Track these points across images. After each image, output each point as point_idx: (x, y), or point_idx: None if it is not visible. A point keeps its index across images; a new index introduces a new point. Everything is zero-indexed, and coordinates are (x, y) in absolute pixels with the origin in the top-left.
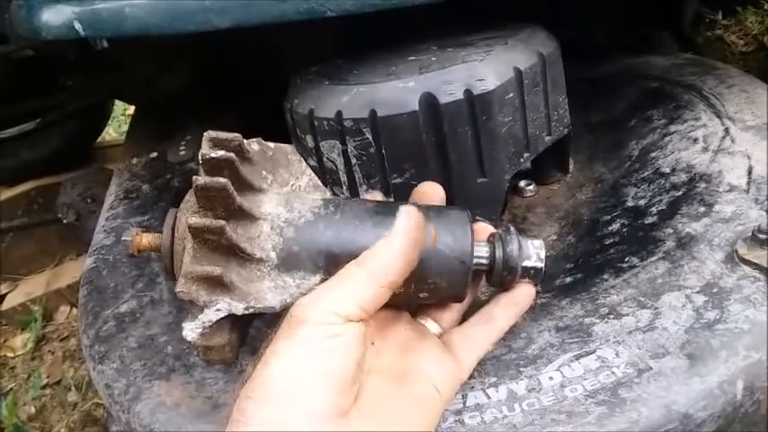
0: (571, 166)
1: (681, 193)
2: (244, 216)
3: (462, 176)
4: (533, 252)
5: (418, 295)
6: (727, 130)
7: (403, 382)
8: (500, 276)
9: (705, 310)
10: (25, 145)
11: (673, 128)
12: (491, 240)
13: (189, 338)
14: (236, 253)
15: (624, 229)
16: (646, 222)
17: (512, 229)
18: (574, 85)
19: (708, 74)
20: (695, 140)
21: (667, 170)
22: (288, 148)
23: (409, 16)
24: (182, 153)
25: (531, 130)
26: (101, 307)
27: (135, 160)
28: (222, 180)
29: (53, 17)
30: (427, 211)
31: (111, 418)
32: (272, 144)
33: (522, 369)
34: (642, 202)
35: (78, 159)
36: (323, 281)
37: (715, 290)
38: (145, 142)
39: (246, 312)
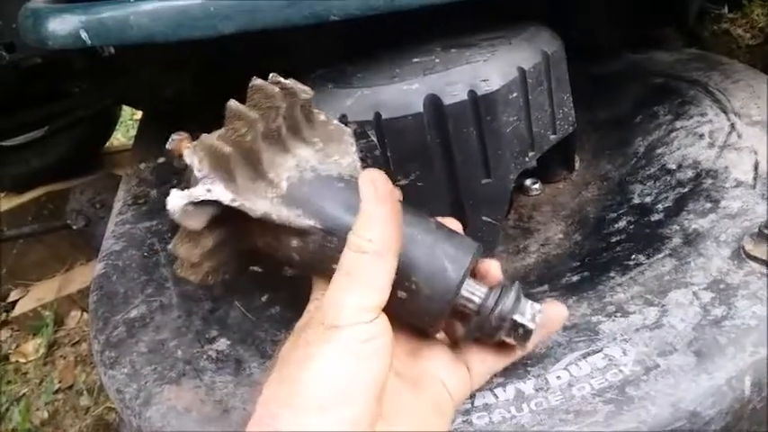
0: (577, 164)
1: (687, 189)
2: (277, 141)
3: (468, 177)
4: (529, 311)
5: (397, 292)
6: (733, 126)
7: (418, 387)
8: (486, 321)
9: (712, 307)
10: (34, 152)
11: (678, 124)
12: (492, 287)
13: (170, 206)
14: (252, 161)
15: (630, 227)
16: (652, 219)
17: (517, 284)
18: (579, 82)
19: (713, 69)
20: (701, 136)
21: (673, 166)
22: (347, 129)
23: (412, 18)
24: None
25: (535, 130)
26: (111, 312)
27: (143, 166)
28: (276, 89)
29: (60, 27)
30: (441, 225)
31: (122, 422)
32: (335, 121)
33: (529, 368)
34: (648, 199)
35: (87, 165)
36: (311, 229)
37: (722, 286)
38: (152, 147)
39: (232, 204)
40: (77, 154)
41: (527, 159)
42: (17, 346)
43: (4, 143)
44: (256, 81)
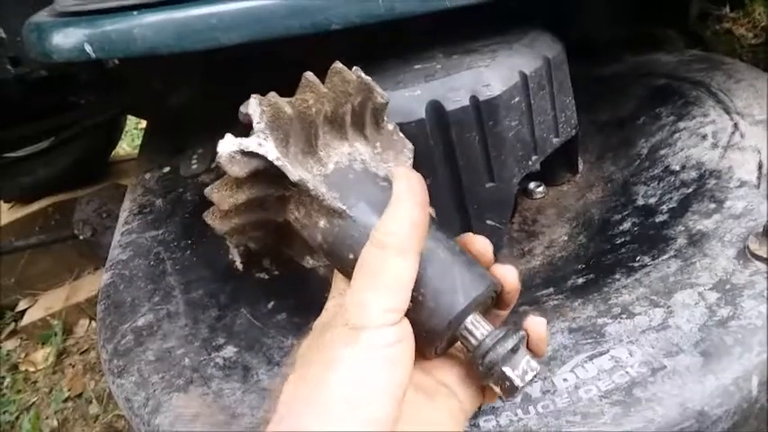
0: (580, 166)
1: (691, 190)
2: (340, 127)
3: (471, 182)
4: (522, 366)
5: None
6: (736, 126)
7: (434, 397)
8: (478, 361)
9: (718, 307)
10: (41, 162)
11: (681, 125)
12: (497, 328)
13: (219, 149)
14: (308, 135)
15: (635, 228)
16: (656, 221)
17: (521, 333)
18: (581, 84)
19: (715, 70)
20: (704, 137)
21: (677, 167)
22: (409, 145)
23: (413, 25)
24: (194, 167)
25: (538, 133)
26: (118, 321)
27: (148, 175)
28: (354, 77)
29: (64, 40)
30: (465, 252)
31: (131, 430)
32: (401, 134)
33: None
34: (652, 200)
35: (93, 174)
36: (342, 213)
37: (727, 286)
38: (157, 157)
39: (275, 162)
40: (83, 164)
41: (530, 163)
42: (26, 356)
43: (10, 154)
44: (338, 65)
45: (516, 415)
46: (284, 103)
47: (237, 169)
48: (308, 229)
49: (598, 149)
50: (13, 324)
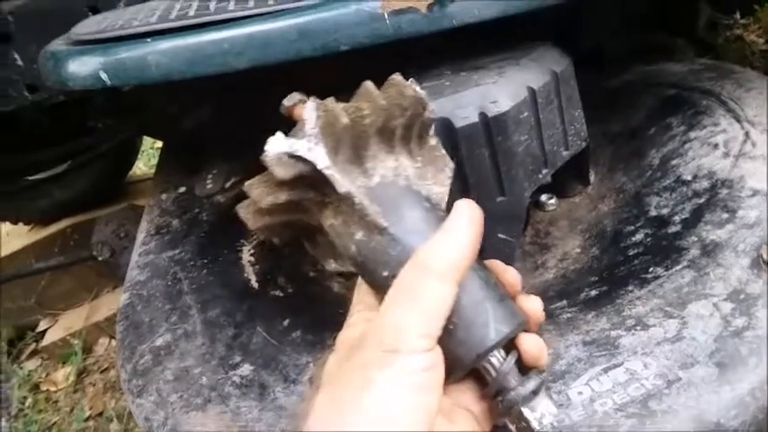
0: (592, 178)
1: (703, 200)
2: (389, 139)
3: (482, 197)
4: (541, 410)
5: None
6: (747, 135)
7: (453, 418)
8: (496, 398)
9: (733, 318)
10: (58, 185)
11: (692, 134)
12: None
13: (268, 147)
14: (358, 145)
15: (648, 239)
16: (669, 231)
17: (542, 376)
18: (591, 96)
19: (725, 78)
20: (715, 146)
21: (689, 177)
22: (450, 163)
23: (421, 44)
24: (209, 186)
25: (548, 147)
26: (137, 342)
27: (164, 196)
28: (411, 90)
29: (79, 68)
30: (500, 286)
31: None
32: (444, 151)
33: (550, 385)
34: (665, 210)
35: (110, 195)
36: (382, 230)
37: (742, 296)
38: (172, 178)
39: (324, 171)
40: (100, 186)
41: (541, 176)
42: (47, 375)
43: (29, 177)
44: (396, 77)
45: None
46: (340, 111)
47: (283, 171)
48: (343, 238)
49: (609, 161)
50: (34, 344)
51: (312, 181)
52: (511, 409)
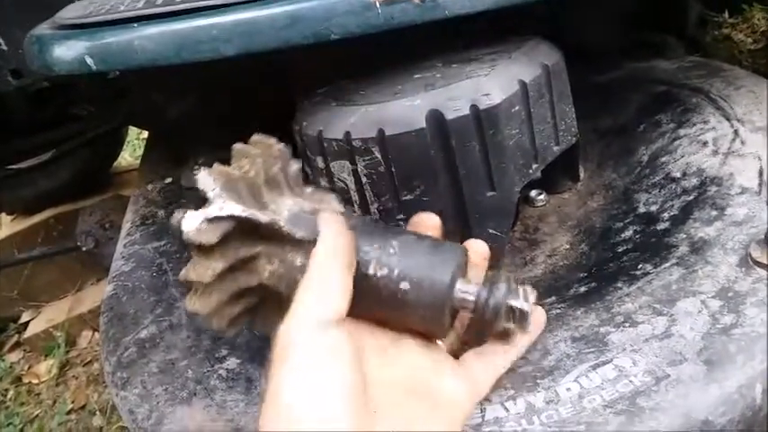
0: (582, 174)
1: (692, 197)
2: (277, 185)
3: (472, 190)
4: (521, 294)
5: (394, 302)
6: (736, 132)
7: (420, 394)
8: (484, 314)
9: (721, 315)
10: (43, 174)
11: (682, 132)
12: (483, 283)
13: (185, 227)
14: (256, 195)
15: (637, 236)
16: (658, 228)
17: (503, 273)
18: (581, 92)
19: (715, 76)
20: (705, 144)
21: (678, 174)
22: (333, 194)
23: (412, 34)
24: (195, 177)
25: (538, 142)
26: (121, 333)
27: (150, 186)
28: (273, 141)
29: (65, 52)
30: (420, 240)
31: None
32: (321, 189)
33: (539, 381)
34: (654, 207)
35: (95, 185)
36: (312, 242)
37: (730, 294)
38: (159, 168)
39: (243, 215)
40: (85, 175)
41: (531, 171)
42: (30, 368)
43: (12, 166)
44: (257, 136)
45: (520, 425)
46: (230, 170)
47: (210, 236)
48: (287, 276)
49: (599, 157)
50: (17, 336)
51: (238, 235)
52: (499, 311)
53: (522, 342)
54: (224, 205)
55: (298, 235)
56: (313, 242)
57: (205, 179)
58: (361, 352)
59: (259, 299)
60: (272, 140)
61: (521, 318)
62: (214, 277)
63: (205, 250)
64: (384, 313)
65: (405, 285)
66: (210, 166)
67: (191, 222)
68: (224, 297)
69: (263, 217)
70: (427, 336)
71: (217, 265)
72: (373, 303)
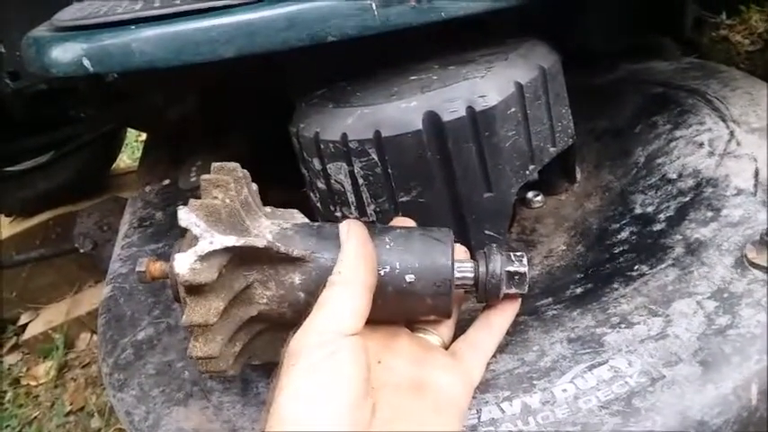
0: (578, 176)
1: (688, 198)
2: (250, 208)
3: (469, 192)
4: (515, 259)
5: (410, 313)
6: (732, 134)
7: (419, 393)
8: (486, 287)
9: (716, 316)
10: (41, 175)
11: (678, 133)
12: (475, 258)
13: (178, 269)
14: (236, 220)
15: (633, 237)
16: (654, 229)
17: (494, 246)
18: (578, 93)
19: (711, 77)
20: (701, 145)
21: (674, 176)
22: (295, 210)
23: (409, 36)
24: (193, 179)
25: (535, 143)
26: (119, 335)
27: (148, 188)
28: (234, 165)
29: (62, 55)
30: (410, 233)
31: None
32: (281, 209)
33: (535, 382)
34: (650, 209)
35: (93, 187)
36: (309, 256)
37: (726, 295)
38: (157, 170)
39: (236, 245)
40: (84, 177)
41: (527, 173)
42: (28, 370)
43: (10, 168)
44: (216, 163)
45: (516, 426)
46: (209, 201)
47: (207, 274)
48: (287, 297)
49: (595, 158)
50: (15, 338)
51: (232, 267)
52: (499, 279)
53: (502, 324)
54: (213, 239)
55: (294, 253)
56: (309, 258)
57: (187, 216)
58: (366, 356)
59: (258, 330)
60: (234, 165)
61: (520, 279)
62: (218, 315)
63: (199, 291)
64: (391, 308)
65: (410, 278)
66: (208, 168)
67: (183, 263)
68: (228, 334)
69: (259, 242)
70: (438, 318)
71: (217, 303)
72: (380, 302)
